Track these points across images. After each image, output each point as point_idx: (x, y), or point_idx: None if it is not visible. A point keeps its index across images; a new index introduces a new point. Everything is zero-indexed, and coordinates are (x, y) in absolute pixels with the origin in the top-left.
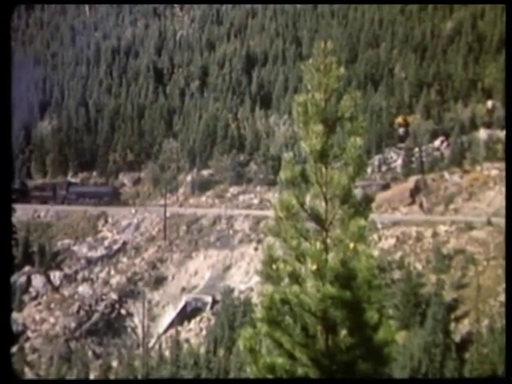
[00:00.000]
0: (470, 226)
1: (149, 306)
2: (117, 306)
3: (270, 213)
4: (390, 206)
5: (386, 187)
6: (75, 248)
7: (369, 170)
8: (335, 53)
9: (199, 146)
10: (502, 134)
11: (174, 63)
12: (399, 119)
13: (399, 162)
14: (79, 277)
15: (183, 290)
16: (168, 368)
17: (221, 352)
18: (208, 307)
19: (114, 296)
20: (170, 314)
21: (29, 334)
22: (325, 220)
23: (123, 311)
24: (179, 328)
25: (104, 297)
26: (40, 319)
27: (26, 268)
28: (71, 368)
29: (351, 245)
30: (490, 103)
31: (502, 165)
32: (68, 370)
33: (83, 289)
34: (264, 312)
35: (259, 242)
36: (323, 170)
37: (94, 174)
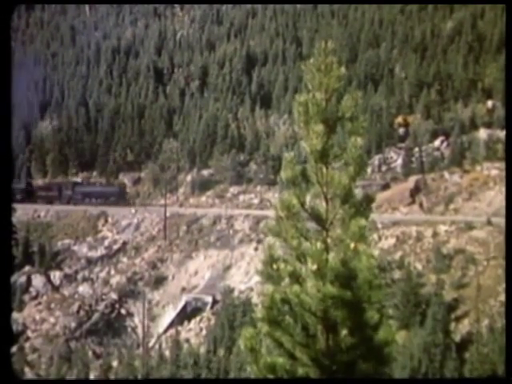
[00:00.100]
0: (469, 226)
1: (149, 306)
2: (117, 305)
3: (270, 213)
4: (390, 205)
5: (385, 187)
6: (75, 248)
7: (369, 169)
8: (335, 53)
9: (199, 146)
10: (502, 133)
11: (174, 63)
12: (399, 119)
13: (399, 161)
14: (79, 277)
15: (183, 289)
16: (168, 368)
17: (221, 352)
18: (208, 307)
19: (114, 296)
20: (170, 314)
21: (29, 333)
22: (325, 220)
23: (123, 311)
24: (179, 328)
25: (104, 297)
26: (40, 319)
27: (26, 268)
28: (71, 368)
29: (352, 245)
30: (490, 103)
31: (502, 165)
32: (68, 370)
33: (83, 289)
34: (264, 312)
35: (259, 241)
36: (324, 169)
37: (94, 173)
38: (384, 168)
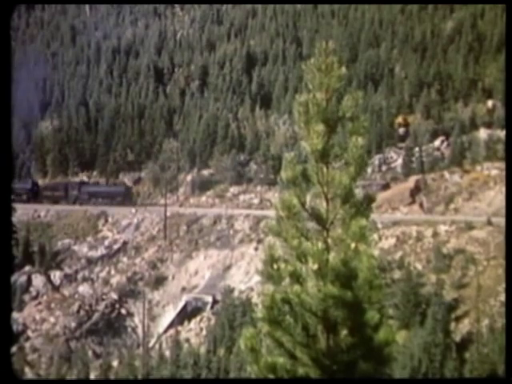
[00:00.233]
0: (470, 226)
1: (149, 306)
2: (117, 305)
3: (271, 213)
4: (390, 205)
5: (386, 187)
6: (75, 248)
7: (369, 169)
8: (336, 53)
9: (199, 146)
10: (502, 133)
11: (175, 63)
12: (399, 119)
13: (399, 161)
14: (79, 276)
15: (183, 289)
16: (168, 368)
17: (221, 352)
18: (208, 307)
19: (114, 296)
20: (170, 314)
21: (29, 333)
22: (326, 220)
23: (123, 311)
24: (179, 328)
25: (104, 296)
26: (40, 319)
27: (26, 268)
28: (71, 368)
29: (352, 245)
30: (490, 103)
31: (502, 165)
32: (68, 370)
33: (83, 288)
34: (265, 312)
35: (259, 241)
36: (324, 169)
37: (94, 173)
38: (384, 168)
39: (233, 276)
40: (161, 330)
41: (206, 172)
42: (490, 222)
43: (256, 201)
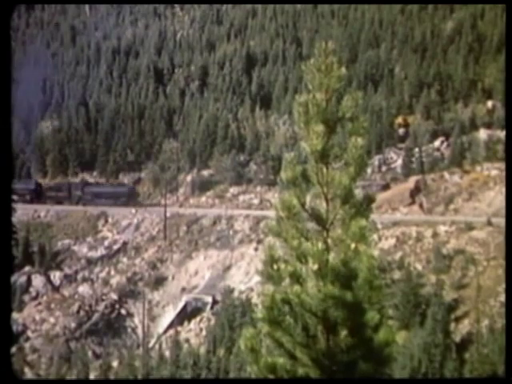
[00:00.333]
0: (469, 226)
1: (149, 306)
2: (117, 306)
3: (270, 213)
4: (390, 206)
5: (386, 187)
6: (75, 248)
7: (369, 170)
8: (336, 53)
9: (199, 146)
10: (502, 134)
11: (174, 63)
12: (399, 119)
13: (399, 162)
14: (79, 277)
15: (183, 290)
16: (168, 368)
17: (221, 352)
18: (208, 307)
19: (114, 296)
20: (170, 314)
21: (29, 333)
22: (326, 220)
23: (123, 311)
24: (179, 328)
25: (104, 297)
26: (40, 319)
27: (26, 268)
28: (71, 368)
29: (352, 245)
30: (490, 103)
31: (502, 165)
32: (68, 370)
33: (83, 289)
34: (265, 312)
35: (259, 242)
36: (324, 170)
37: (94, 173)
38: (384, 168)
39: (233, 276)
40: (161, 330)
41: (205, 172)
42: (489, 223)
43: (256, 201)
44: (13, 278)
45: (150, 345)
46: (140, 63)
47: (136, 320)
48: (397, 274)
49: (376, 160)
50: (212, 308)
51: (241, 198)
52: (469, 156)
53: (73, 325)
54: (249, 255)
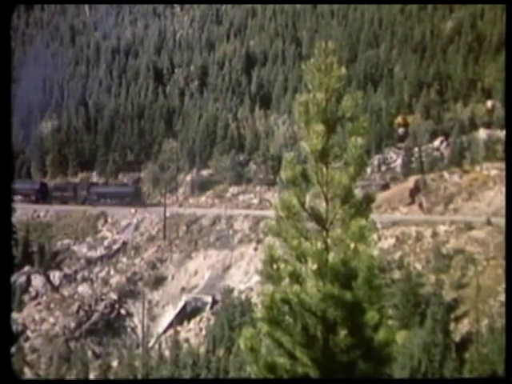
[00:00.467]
0: (469, 226)
1: (148, 306)
2: (116, 305)
3: (270, 213)
4: (390, 205)
5: (385, 187)
6: (75, 248)
7: (368, 169)
8: (335, 53)
9: (199, 146)
10: (501, 134)
11: (174, 63)
12: (399, 119)
13: (399, 161)
14: (79, 277)
15: (183, 289)
16: (167, 368)
17: (220, 352)
18: (208, 307)
19: (113, 296)
20: (169, 314)
21: (29, 333)
22: (325, 220)
23: (123, 311)
24: (179, 328)
25: (104, 297)
26: (40, 319)
27: (26, 268)
28: (71, 368)
29: (352, 245)
30: (489, 103)
31: (501, 165)
32: (68, 370)
33: (83, 289)
34: (264, 312)
35: (259, 241)
36: (324, 169)
37: (94, 173)
38: (384, 168)
39: (232, 276)
40: (160, 330)
41: (205, 172)
42: (489, 222)
43: (255, 201)
44: (12, 278)
45: (150, 345)
46: (139, 63)
47: (136, 320)
48: (396, 274)
49: (375, 160)
50: (212, 308)
51: (240, 197)
52: (468, 156)
53: (72, 325)
54: (248, 255)
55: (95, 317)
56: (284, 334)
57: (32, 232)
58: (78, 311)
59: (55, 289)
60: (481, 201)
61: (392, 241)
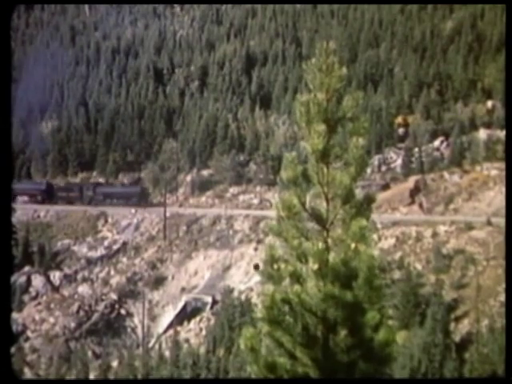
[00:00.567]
0: (469, 226)
1: (148, 306)
2: (117, 306)
3: (270, 213)
4: (390, 206)
5: (385, 187)
6: (75, 248)
7: (368, 170)
8: (336, 53)
9: (199, 146)
10: (501, 134)
11: (174, 63)
12: (399, 119)
13: (399, 162)
14: (79, 277)
15: (183, 290)
16: (168, 368)
17: (220, 352)
18: (208, 307)
19: (113, 296)
20: (169, 314)
21: (29, 333)
22: (326, 220)
23: (123, 311)
24: (179, 328)
25: (104, 297)
26: (40, 319)
27: (26, 268)
28: (71, 368)
29: (352, 245)
30: (489, 103)
31: (501, 165)
32: (68, 370)
33: (83, 289)
34: (265, 312)
35: (259, 242)
36: (325, 169)
37: (94, 174)
38: (384, 168)
39: (232, 276)
40: (160, 330)
41: (205, 172)
42: (489, 223)
43: (256, 201)
44: (12, 278)
45: (150, 345)
46: (140, 63)
47: (136, 320)
48: (397, 274)
49: (376, 160)
50: (212, 308)
51: (240, 197)
52: (468, 156)
53: (72, 325)
54: (249, 255)
55: (95, 317)
56: (284, 334)
57: (32, 232)
58: (78, 311)
59: (55, 289)
60: (481, 201)
61: (392, 241)
